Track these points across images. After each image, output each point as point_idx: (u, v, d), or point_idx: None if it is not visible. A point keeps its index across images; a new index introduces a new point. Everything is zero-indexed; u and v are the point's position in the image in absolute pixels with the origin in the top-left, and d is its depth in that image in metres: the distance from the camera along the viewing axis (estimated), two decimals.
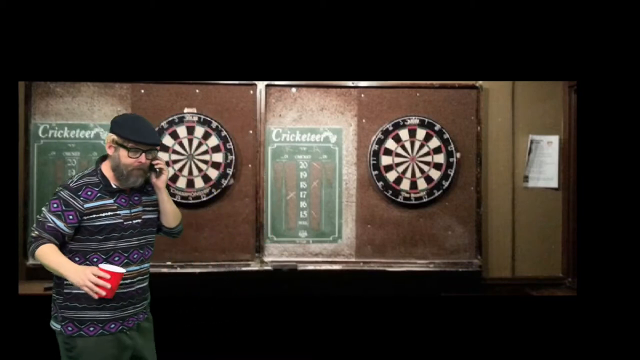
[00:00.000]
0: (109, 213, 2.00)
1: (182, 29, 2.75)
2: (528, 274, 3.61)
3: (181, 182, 3.42)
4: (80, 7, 2.65)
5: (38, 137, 3.37)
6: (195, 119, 3.42)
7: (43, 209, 2.00)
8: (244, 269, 3.43)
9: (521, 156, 3.63)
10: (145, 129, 2.03)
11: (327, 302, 3.30)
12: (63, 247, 1.97)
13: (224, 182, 3.42)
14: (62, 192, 1.97)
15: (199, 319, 3.24)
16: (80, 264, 1.96)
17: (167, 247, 3.37)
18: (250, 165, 3.48)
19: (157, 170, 2.10)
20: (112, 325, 2.02)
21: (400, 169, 3.52)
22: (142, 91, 3.42)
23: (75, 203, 1.96)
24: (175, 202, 3.36)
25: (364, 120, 3.53)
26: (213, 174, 3.43)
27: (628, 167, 2.36)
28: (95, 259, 1.99)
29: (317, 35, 2.80)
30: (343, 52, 2.86)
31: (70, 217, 1.95)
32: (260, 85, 3.46)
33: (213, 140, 3.43)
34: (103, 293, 1.84)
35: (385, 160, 3.51)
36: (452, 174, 3.52)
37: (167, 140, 3.41)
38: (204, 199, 3.42)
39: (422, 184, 3.52)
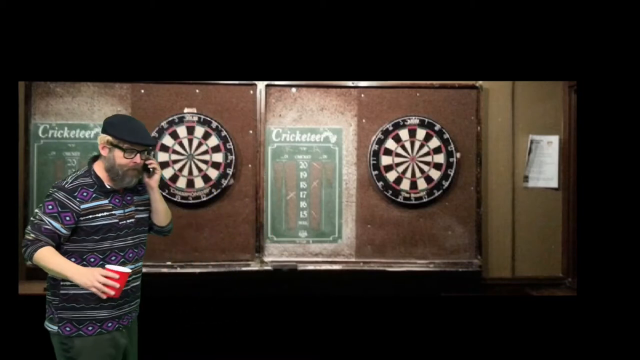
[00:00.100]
0: (105, 213, 2.00)
1: (182, 29, 2.75)
2: (528, 274, 3.61)
3: (181, 182, 3.42)
4: (80, 7, 2.64)
5: (38, 137, 3.38)
6: (195, 119, 3.42)
7: (37, 210, 1.97)
8: (244, 269, 3.43)
9: (521, 156, 3.63)
10: (140, 129, 2.03)
11: (327, 302, 3.30)
12: (58, 249, 1.96)
13: (224, 182, 3.42)
14: (56, 194, 1.96)
15: (199, 319, 3.24)
16: (77, 264, 1.96)
17: (167, 247, 3.38)
18: (250, 165, 3.48)
19: (151, 170, 2.10)
20: (109, 324, 2.03)
21: (400, 169, 3.52)
22: (142, 91, 3.42)
23: (72, 204, 1.95)
24: (176, 202, 3.42)
25: (364, 120, 3.53)
26: (213, 174, 3.43)
27: (628, 167, 2.36)
28: (92, 259, 1.99)
29: (317, 35, 2.80)
30: (343, 52, 2.86)
31: (67, 218, 1.94)
32: (260, 85, 3.46)
33: (213, 140, 3.43)
34: (112, 293, 1.87)
35: (385, 160, 3.51)
36: (452, 174, 3.52)
37: (167, 140, 3.41)
38: (204, 199, 3.42)
39: (422, 184, 3.52)
